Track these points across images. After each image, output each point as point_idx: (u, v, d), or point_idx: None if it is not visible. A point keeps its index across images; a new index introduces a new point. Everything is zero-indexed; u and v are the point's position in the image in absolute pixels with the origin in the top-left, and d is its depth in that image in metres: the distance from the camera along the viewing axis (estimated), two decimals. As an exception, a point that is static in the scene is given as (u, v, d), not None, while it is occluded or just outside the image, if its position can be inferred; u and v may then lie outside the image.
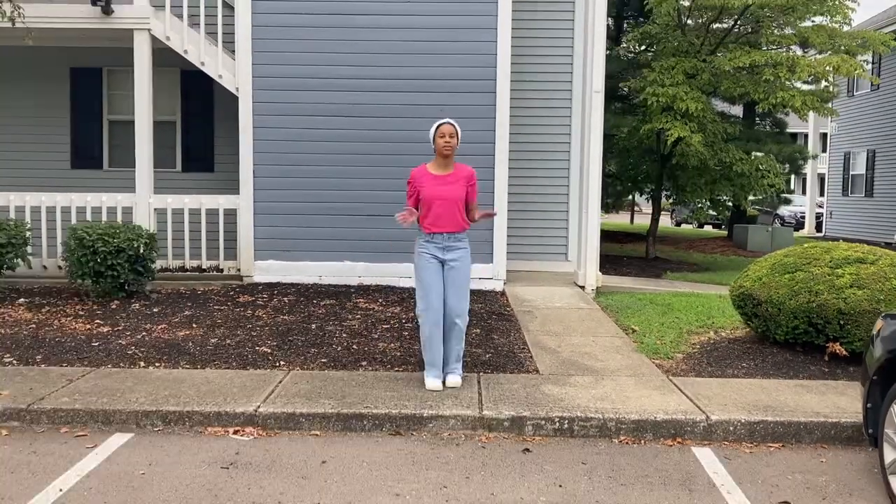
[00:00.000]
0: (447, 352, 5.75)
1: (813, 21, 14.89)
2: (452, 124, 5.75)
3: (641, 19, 19.15)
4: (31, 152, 11.54)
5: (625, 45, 17.72)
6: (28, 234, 8.89)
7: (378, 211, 9.55)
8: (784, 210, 29.20)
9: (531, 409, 5.24)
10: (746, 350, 6.93)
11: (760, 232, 19.61)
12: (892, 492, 4.15)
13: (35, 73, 11.55)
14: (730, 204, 18.52)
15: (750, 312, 7.09)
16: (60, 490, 4.19)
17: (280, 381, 5.80)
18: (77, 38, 10.34)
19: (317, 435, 5.09)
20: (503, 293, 9.47)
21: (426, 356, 5.73)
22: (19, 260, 8.69)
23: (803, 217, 28.71)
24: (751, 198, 18.08)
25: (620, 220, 32.86)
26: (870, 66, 21.55)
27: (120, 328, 7.32)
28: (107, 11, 9.42)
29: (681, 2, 14.32)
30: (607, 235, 18.69)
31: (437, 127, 5.72)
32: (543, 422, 5.14)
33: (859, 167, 23.64)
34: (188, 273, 9.77)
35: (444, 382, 5.71)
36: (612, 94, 16.82)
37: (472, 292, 9.35)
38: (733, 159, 14.23)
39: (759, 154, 16.55)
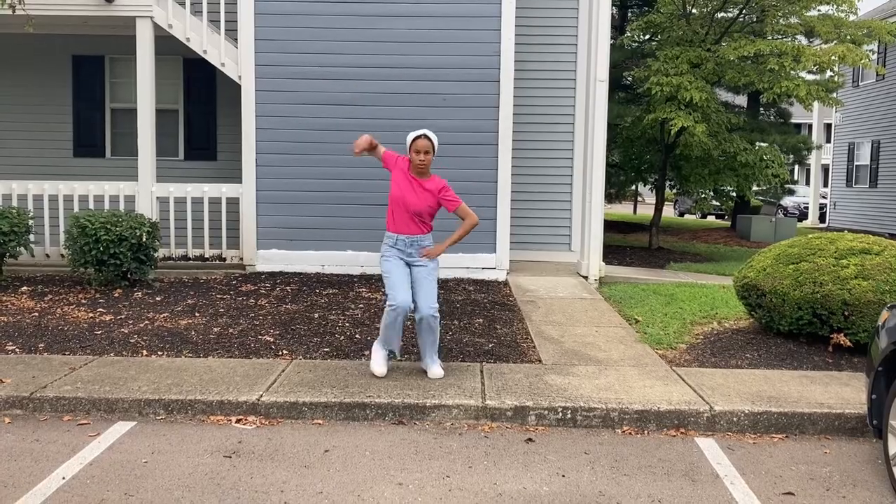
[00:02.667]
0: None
1: (818, 10, 14.81)
2: (430, 138, 5.59)
3: (646, 8, 19.09)
4: (33, 140, 11.53)
5: (629, 34, 17.65)
6: (30, 222, 8.88)
7: (381, 200, 9.43)
8: (787, 201, 29.16)
9: (534, 398, 5.23)
10: (750, 341, 6.91)
11: (764, 223, 19.57)
12: (897, 483, 4.14)
13: (36, 61, 11.51)
14: (733, 194, 18.50)
15: (754, 303, 7.06)
16: (63, 478, 4.19)
17: (283, 370, 5.79)
18: (78, 26, 10.30)
19: (319, 424, 5.09)
20: (506, 283, 9.46)
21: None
22: (22, 248, 8.69)
23: (807, 208, 28.66)
24: (754, 188, 18.05)
25: (623, 210, 32.81)
26: (875, 57, 21.45)
27: (122, 317, 7.32)
28: (109, -1, 9.37)
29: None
30: (610, 225, 18.65)
31: (414, 140, 5.58)
32: (546, 412, 5.13)
33: (864, 158, 23.56)
34: (191, 262, 9.76)
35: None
36: (615, 84, 16.79)
37: (475, 282, 9.45)
38: (737, 149, 14.19)
39: (763, 144, 16.51)
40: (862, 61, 13.09)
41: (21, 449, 4.59)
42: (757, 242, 18.18)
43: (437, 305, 5.66)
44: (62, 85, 11.54)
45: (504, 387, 5.47)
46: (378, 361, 5.73)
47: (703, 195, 18.28)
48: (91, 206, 9.54)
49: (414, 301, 5.63)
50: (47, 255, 9.66)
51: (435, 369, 5.72)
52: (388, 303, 5.66)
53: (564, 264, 10.88)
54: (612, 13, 13.96)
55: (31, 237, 9.00)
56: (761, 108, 21.53)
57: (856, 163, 24.07)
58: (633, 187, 23.68)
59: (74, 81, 11.54)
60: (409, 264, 5.73)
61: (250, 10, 9.49)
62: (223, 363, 5.98)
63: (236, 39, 9.65)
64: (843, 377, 5.93)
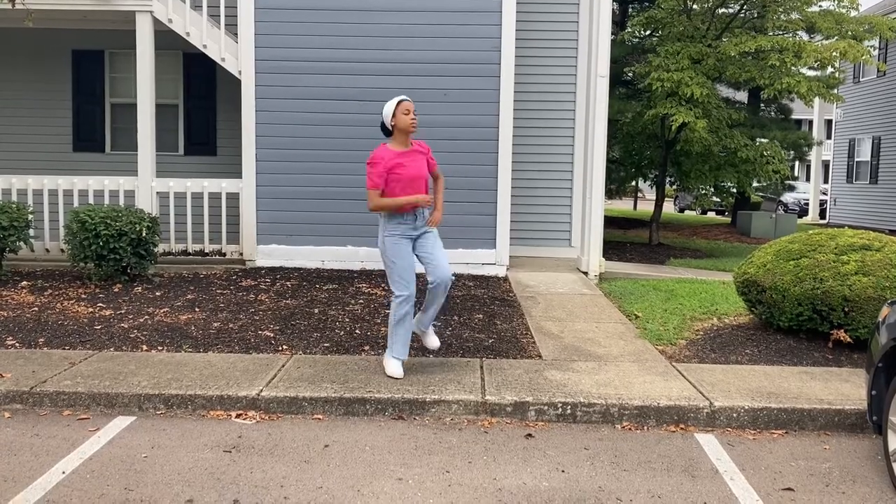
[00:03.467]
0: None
1: (819, 6, 14.79)
2: (411, 101, 5.54)
3: (647, 3, 19.06)
4: (33, 135, 11.52)
5: (630, 29, 17.61)
6: (30, 216, 8.87)
7: (381, 195, 9.51)
8: (788, 197, 29.14)
9: (534, 394, 5.23)
10: (750, 337, 6.91)
11: (764, 219, 19.56)
12: (896, 479, 4.15)
13: (36, 55, 11.50)
14: (734, 190, 18.49)
15: (754, 299, 7.06)
16: (63, 473, 4.19)
17: (283, 366, 5.79)
18: (78, 20, 10.27)
19: (319, 419, 5.09)
20: (506, 279, 9.46)
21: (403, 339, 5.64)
22: (21, 243, 8.68)
23: (807, 204, 28.65)
24: (755, 184, 18.03)
25: (624, 206, 32.81)
26: (876, 52, 21.43)
27: (122, 311, 7.32)
28: (108, -7, 9.35)
29: (686, -14, 14.23)
30: (610, 221, 18.65)
31: (399, 103, 5.42)
32: (546, 407, 5.13)
33: (864, 154, 23.54)
34: (191, 257, 9.76)
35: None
36: (616, 79, 16.77)
37: (475, 277, 9.44)
38: (738, 145, 14.17)
39: (763, 140, 16.49)
40: (863, 57, 13.06)
41: (21, 444, 4.59)
42: (757, 238, 18.18)
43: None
44: (62, 80, 11.52)
45: (504, 382, 5.47)
46: (393, 365, 5.57)
47: (704, 191, 18.27)
48: (91, 200, 9.52)
49: (429, 270, 5.51)
50: (47, 250, 9.65)
51: (434, 340, 5.80)
52: (397, 292, 5.47)
53: (564, 260, 10.88)
54: (613, 9, 13.95)
55: (31, 232, 9.00)
56: (762, 104, 21.51)
57: (856, 159, 24.05)
58: (634, 183, 23.65)
59: (74, 76, 11.53)
60: (413, 241, 5.55)
61: (250, 4, 9.47)
62: (223, 358, 5.98)
63: (236, 34, 9.63)
64: (843, 373, 5.93)
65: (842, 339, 6.42)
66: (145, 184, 9.59)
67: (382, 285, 8.72)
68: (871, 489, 4.24)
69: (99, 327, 6.75)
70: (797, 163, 27.47)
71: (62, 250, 9.44)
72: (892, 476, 4.19)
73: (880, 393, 4.47)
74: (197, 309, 7.49)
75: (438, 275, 5.48)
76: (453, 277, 5.58)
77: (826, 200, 26.95)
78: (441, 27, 9.56)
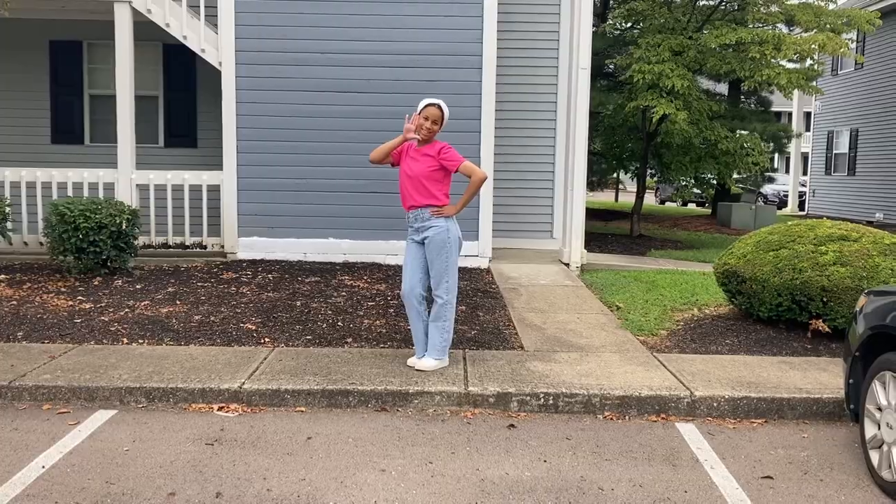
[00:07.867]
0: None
1: (799, -2, 14.90)
2: (440, 108, 5.51)
3: (628, -4, 19.05)
4: (10, 127, 11.37)
5: (611, 21, 17.68)
6: (7, 209, 8.76)
7: (363, 188, 9.51)
8: (767, 188, 29.37)
9: (516, 385, 5.25)
10: (730, 327, 6.97)
11: (744, 210, 19.71)
12: (873, 466, 4.20)
13: (13, 45, 11.33)
14: (714, 182, 18.60)
15: (734, 290, 7.12)
16: (43, 467, 4.16)
17: (265, 358, 5.78)
18: (56, 10, 10.15)
19: (302, 411, 5.09)
20: (488, 271, 9.47)
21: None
22: (-1, 236, 8.60)
23: (786, 195, 28.88)
24: (735, 176, 18.14)
25: (605, 198, 32.92)
26: (854, 45, 21.60)
27: (102, 305, 7.26)
28: (86, -17, 9.24)
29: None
30: (592, 213, 18.72)
31: (425, 106, 5.52)
32: (528, 398, 5.16)
33: (842, 146, 23.76)
34: (171, 250, 9.69)
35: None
36: (597, 72, 16.80)
37: (458, 269, 9.41)
38: (718, 137, 14.26)
39: (743, 132, 16.59)
40: (841, 50, 13.16)
41: None
42: (737, 230, 18.31)
43: (443, 289, 5.54)
44: (40, 71, 11.37)
45: (486, 373, 5.49)
46: (410, 360, 5.72)
47: (684, 183, 18.38)
48: (70, 193, 9.43)
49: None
50: (25, 243, 9.55)
51: (419, 361, 5.60)
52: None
53: (546, 252, 10.92)
54: (595, 1, 13.96)
55: (9, 225, 8.90)
56: (742, 96, 21.65)
57: (834, 151, 24.27)
58: (615, 175, 23.78)
59: (52, 67, 11.39)
60: (423, 244, 5.59)
61: (230, -5, 9.39)
62: (205, 351, 5.96)
63: (216, 25, 9.55)
64: (822, 362, 6.00)
65: (820, 328, 6.50)
66: (125, 176, 9.51)
67: (365, 278, 8.71)
68: (848, 476, 4.29)
69: (79, 321, 6.70)
70: (777, 154, 27.73)
71: (41, 243, 9.35)
72: (869, 463, 4.25)
73: (857, 382, 4.53)
74: (178, 302, 7.44)
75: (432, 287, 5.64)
76: (441, 297, 5.57)
77: (805, 192, 27.19)
78: (423, 18, 9.53)
